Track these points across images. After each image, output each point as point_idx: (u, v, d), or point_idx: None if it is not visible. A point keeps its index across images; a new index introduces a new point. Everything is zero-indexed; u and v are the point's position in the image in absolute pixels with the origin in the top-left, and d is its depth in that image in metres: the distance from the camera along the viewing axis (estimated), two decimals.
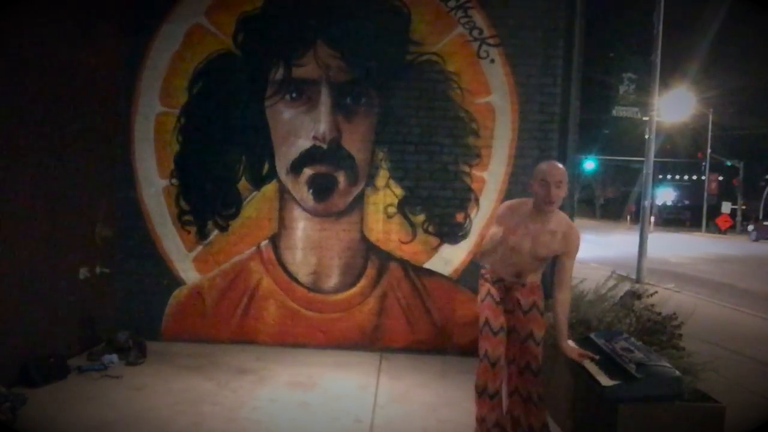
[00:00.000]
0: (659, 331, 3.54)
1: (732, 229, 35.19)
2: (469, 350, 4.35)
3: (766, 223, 31.92)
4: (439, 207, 5.23)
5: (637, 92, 12.92)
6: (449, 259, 5.23)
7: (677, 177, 58.60)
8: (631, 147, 31.05)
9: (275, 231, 5.27)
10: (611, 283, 4.30)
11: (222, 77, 5.19)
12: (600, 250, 17.78)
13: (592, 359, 3.06)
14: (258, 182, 5.24)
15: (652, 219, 25.12)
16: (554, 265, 3.13)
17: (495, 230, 3.02)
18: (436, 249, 5.24)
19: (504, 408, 3.10)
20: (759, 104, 36.48)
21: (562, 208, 3.11)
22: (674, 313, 3.71)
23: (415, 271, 5.26)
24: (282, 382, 4.33)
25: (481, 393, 3.02)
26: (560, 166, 2.97)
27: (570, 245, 3.00)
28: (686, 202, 52.98)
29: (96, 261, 4.91)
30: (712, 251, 21.80)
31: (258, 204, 5.26)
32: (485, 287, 3.17)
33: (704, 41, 33.05)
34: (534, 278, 3.15)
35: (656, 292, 4.15)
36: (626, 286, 4.32)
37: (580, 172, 30.05)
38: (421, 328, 5.25)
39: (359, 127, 5.21)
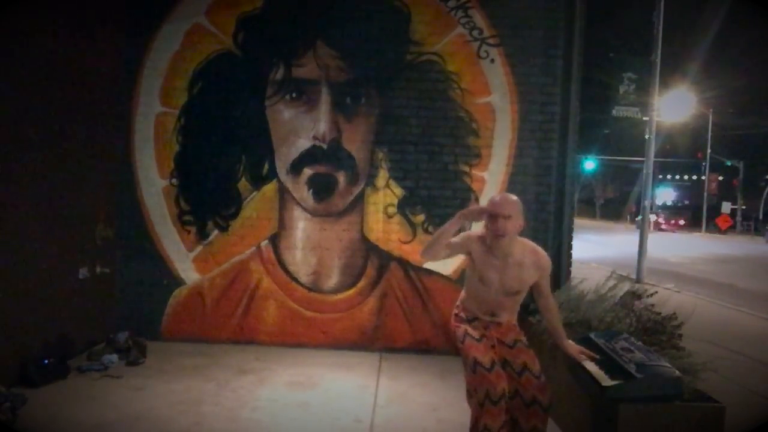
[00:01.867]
0: (659, 331, 3.54)
1: (732, 229, 35.23)
2: None
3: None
4: (439, 207, 5.23)
5: (637, 92, 12.89)
6: (449, 259, 5.22)
7: (677, 177, 58.63)
8: (631, 147, 31.09)
9: (275, 231, 5.27)
10: (611, 283, 4.29)
11: (222, 77, 5.19)
12: (600, 250, 17.79)
13: (593, 359, 3.05)
14: (258, 182, 5.25)
15: (652, 219, 25.12)
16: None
17: (455, 239, 2.91)
18: None
19: None
20: (759, 104, 36.54)
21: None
22: (674, 313, 3.70)
23: (415, 271, 5.26)
24: (282, 382, 4.33)
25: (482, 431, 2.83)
26: (512, 199, 2.85)
27: (543, 270, 2.94)
28: (686, 202, 53.01)
29: (96, 261, 4.92)
30: (712, 251, 21.80)
31: (258, 204, 5.26)
32: (461, 328, 2.99)
33: (704, 41, 33.14)
34: (510, 318, 3.05)
35: (656, 292, 4.15)
36: (626, 286, 4.31)
37: (580, 172, 30.11)
38: (421, 328, 5.25)
39: (359, 127, 5.21)
